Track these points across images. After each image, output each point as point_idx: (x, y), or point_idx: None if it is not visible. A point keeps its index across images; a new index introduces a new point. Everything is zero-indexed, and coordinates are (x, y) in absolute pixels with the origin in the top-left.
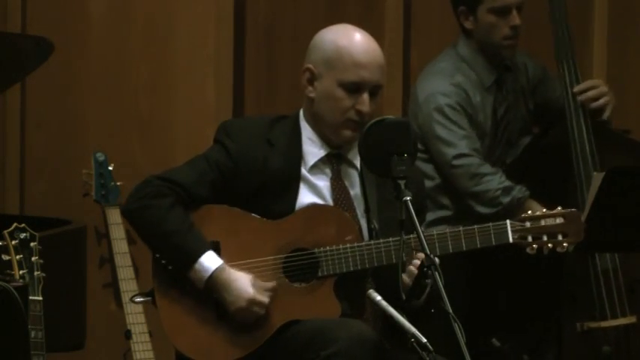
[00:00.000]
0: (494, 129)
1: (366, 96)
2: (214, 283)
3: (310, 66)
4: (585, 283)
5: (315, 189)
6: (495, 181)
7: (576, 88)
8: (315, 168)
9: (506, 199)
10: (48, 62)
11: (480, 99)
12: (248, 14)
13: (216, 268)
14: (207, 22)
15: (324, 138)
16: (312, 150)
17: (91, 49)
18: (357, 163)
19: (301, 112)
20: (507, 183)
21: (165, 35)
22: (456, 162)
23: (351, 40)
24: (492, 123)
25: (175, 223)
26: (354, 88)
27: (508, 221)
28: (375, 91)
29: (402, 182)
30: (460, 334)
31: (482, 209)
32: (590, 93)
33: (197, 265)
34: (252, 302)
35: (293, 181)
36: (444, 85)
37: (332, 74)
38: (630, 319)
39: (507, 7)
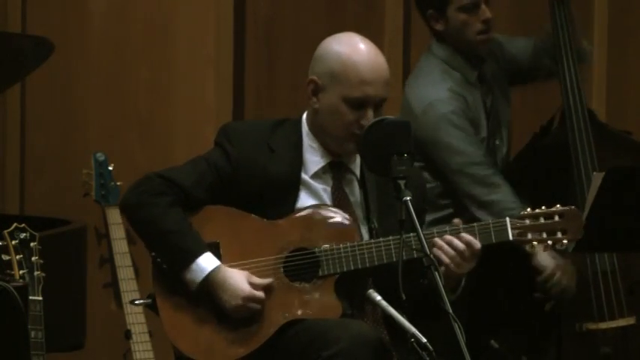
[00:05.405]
0: (487, 120)
1: (370, 112)
2: (210, 283)
3: (314, 77)
4: (584, 284)
5: (315, 194)
6: (510, 193)
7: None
8: (315, 176)
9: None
10: (48, 62)
11: (472, 97)
12: (248, 14)
13: (213, 269)
14: (207, 22)
15: (325, 147)
16: (314, 158)
17: (91, 49)
18: (358, 171)
19: (304, 118)
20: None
21: (165, 35)
22: (467, 170)
23: (357, 54)
24: (484, 115)
25: (174, 223)
26: (358, 104)
27: (508, 219)
28: (379, 104)
29: (402, 182)
30: (460, 334)
31: (485, 216)
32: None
33: (194, 266)
34: (248, 299)
35: (293, 187)
36: (440, 92)
37: (337, 89)
38: (629, 321)
39: (475, 2)
